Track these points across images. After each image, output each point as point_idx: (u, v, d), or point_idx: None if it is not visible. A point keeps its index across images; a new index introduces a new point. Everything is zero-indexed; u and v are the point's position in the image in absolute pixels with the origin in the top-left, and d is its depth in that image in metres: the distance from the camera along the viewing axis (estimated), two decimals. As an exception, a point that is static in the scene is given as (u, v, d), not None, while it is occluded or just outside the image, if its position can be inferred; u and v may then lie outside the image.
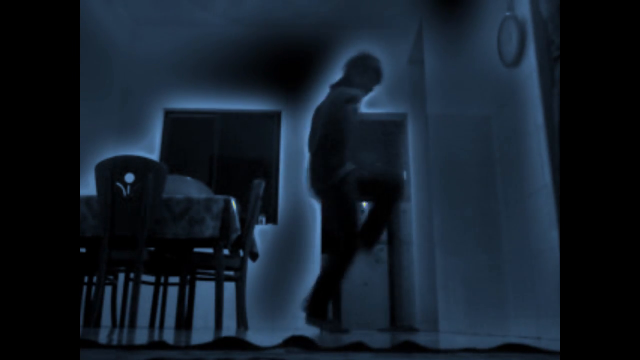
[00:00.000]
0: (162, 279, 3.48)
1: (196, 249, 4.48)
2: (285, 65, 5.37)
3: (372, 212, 2.73)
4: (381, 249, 6.00)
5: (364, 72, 2.89)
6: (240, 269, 2.99)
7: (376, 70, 2.92)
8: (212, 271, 3.13)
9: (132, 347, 0.86)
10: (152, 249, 3.11)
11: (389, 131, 6.69)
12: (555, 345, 1.35)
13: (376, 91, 5.28)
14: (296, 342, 0.96)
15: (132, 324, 2.45)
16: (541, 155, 2.14)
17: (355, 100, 2.79)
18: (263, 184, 3.12)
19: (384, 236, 6.10)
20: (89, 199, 2.65)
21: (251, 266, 4.71)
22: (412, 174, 4.96)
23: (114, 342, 1.01)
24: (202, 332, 2.17)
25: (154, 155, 5.07)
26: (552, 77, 1.57)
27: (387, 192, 2.67)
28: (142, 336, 1.41)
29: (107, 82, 4.88)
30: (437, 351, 0.92)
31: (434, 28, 4.20)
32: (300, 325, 4.61)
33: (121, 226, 2.54)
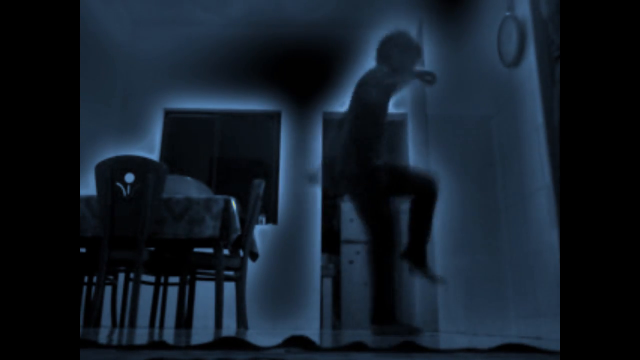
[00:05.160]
0: (162, 279, 3.48)
1: (196, 249, 4.48)
2: (285, 65, 5.38)
3: (411, 222, 2.50)
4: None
5: (405, 51, 2.68)
6: (240, 269, 2.99)
7: (417, 48, 2.70)
8: (212, 271, 3.13)
9: (132, 347, 0.86)
10: (152, 249, 3.11)
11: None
12: (555, 345, 1.35)
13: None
14: (296, 342, 0.96)
15: (132, 324, 2.45)
16: (541, 155, 2.14)
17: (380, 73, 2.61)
18: (263, 184, 3.12)
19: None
20: (89, 199, 2.65)
21: (251, 266, 4.71)
22: (412, 174, 4.96)
23: (114, 342, 1.01)
24: (202, 332, 2.17)
25: (154, 155, 5.07)
26: (552, 77, 1.57)
27: (424, 192, 2.46)
28: (142, 336, 1.41)
29: (107, 83, 4.88)
30: (437, 351, 0.92)
31: (434, 28, 4.21)
32: (300, 325, 4.62)
33: (121, 226, 2.53)
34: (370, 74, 2.61)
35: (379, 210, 2.47)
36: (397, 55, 2.67)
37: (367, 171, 2.52)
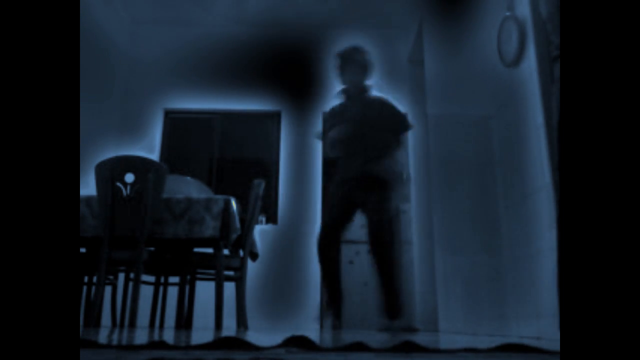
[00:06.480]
0: (162, 279, 3.48)
1: (196, 249, 4.49)
2: (285, 65, 5.37)
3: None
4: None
5: (342, 70, 3.11)
6: (240, 269, 2.99)
7: (350, 61, 3.08)
8: (212, 271, 3.13)
9: (132, 347, 0.86)
10: (152, 249, 3.11)
11: None
12: (555, 345, 1.35)
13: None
14: (296, 342, 0.96)
15: (132, 324, 2.45)
16: (541, 155, 2.14)
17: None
18: (263, 184, 3.12)
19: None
20: (89, 199, 2.65)
21: (251, 266, 4.72)
22: (412, 174, 4.96)
23: (114, 342, 1.01)
24: (202, 332, 2.17)
25: (154, 155, 5.07)
26: (552, 77, 1.58)
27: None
28: (142, 336, 1.41)
29: (107, 82, 4.88)
30: (437, 351, 0.92)
31: (434, 28, 4.20)
32: (300, 325, 4.62)
33: (121, 226, 2.53)
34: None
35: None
36: (345, 76, 3.10)
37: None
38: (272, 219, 5.02)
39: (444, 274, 3.63)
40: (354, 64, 3.03)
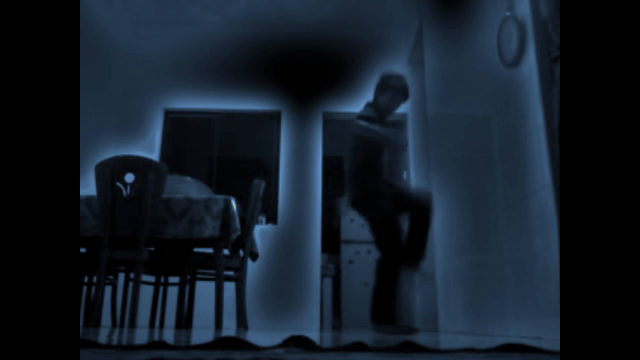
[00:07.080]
0: (162, 279, 3.48)
1: (196, 249, 4.48)
2: (285, 65, 5.38)
3: (409, 230, 2.92)
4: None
5: (384, 91, 3.04)
6: (240, 269, 2.99)
7: (397, 87, 3.04)
8: (212, 271, 3.13)
9: (132, 347, 0.86)
10: (152, 249, 3.11)
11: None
12: (555, 345, 1.35)
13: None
14: (296, 342, 0.96)
15: (132, 324, 2.45)
16: (541, 155, 2.14)
17: (363, 118, 2.99)
18: (263, 184, 3.12)
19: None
20: (89, 199, 2.65)
21: (251, 266, 4.72)
22: (412, 174, 4.97)
23: (114, 342, 1.01)
24: (202, 332, 2.17)
25: (154, 155, 5.07)
26: (552, 77, 1.58)
27: (419, 210, 2.85)
28: (142, 336, 1.40)
29: (107, 82, 4.88)
30: (437, 351, 0.92)
31: (434, 28, 4.20)
32: (300, 325, 4.62)
33: (121, 226, 2.53)
34: (354, 121, 3.02)
35: (383, 226, 2.80)
36: (385, 98, 3.04)
37: (365, 196, 2.87)
38: (272, 219, 5.02)
39: (444, 274, 3.63)
40: (395, 88, 3.05)
